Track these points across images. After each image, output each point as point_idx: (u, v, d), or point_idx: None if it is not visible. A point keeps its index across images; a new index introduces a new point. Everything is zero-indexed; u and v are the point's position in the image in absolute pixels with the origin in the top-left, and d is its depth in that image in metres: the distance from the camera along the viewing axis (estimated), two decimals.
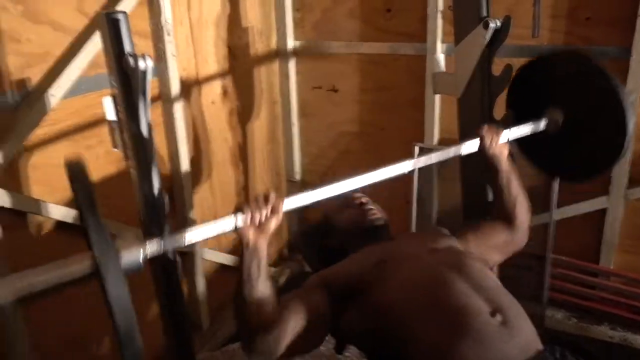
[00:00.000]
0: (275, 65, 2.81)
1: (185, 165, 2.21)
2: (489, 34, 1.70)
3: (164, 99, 2.08)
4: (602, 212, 2.28)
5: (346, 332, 1.29)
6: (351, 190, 1.61)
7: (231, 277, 2.51)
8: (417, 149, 2.54)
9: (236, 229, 1.09)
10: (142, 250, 0.98)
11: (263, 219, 1.09)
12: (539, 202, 2.32)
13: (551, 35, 2.20)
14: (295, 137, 2.96)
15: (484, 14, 1.73)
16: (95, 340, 1.93)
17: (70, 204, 1.69)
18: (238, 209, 1.10)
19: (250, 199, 1.12)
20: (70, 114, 1.69)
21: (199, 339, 2.41)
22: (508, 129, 1.53)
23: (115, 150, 1.38)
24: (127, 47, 1.17)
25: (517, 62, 1.71)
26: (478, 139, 1.47)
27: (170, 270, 1.40)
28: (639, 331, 2.27)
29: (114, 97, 1.25)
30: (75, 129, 1.73)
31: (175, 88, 2.08)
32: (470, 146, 1.47)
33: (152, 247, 1.00)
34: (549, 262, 2.29)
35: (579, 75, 1.57)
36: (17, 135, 1.55)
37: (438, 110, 2.52)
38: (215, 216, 2.47)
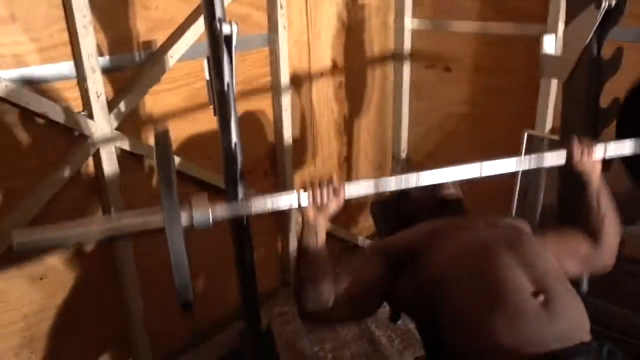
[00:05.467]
0: (390, 42, 2.84)
1: (287, 131, 2.36)
2: (600, 14, 1.57)
3: (273, 67, 2.24)
4: None
5: (400, 298, 1.33)
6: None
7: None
8: (526, 136, 2.42)
9: (299, 206, 1.15)
10: (210, 211, 1.09)
11: (325, 199, 1.14)
12: None
13: None
14: (405, 115, 2.97)
15: None
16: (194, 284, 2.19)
17: (177, 153, 1.92)
18: (302, 187, 1.15)
19: (314, 180, 1.16)
20: (185, 75, 1.92)
21: (289, 293, 2.58)
22: (605, 144, 1.34)
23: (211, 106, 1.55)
24: (218, 13, 1.30)
25: (630, 47, 1.56)
26: (565, 150, 1.31)
27: (241, 232, 1.54)
28: None
29: (208, 59, 1.41)
30: (188, 88, 1.96)
31: (284, 58, 2.22)
32: (556, 158, 1.31)
33: (219, 211, 1.10)
34: None
35: None
36: (140, 89, 1.80)
37: (553, 96, 2.36)
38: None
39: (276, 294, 2.57)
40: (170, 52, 1.83)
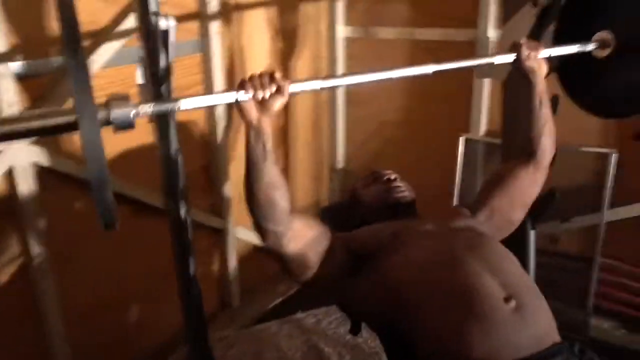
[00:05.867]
0: (323, 50, 2.80)
1: (222, 143, 2.24)
2: (537, 13, 1.60)
3: (206, 75, 2.12)
4: None
5: (358, 306, 1.25)
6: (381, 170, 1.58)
7: (264, 258, 2.54)
8: (462, 140, 2.46)
9: (237, 103, 1.01)
10: (132, 107, 0.87)
11: (267, 96, 1.01)
12: (589, 201, 2.18)
13: None
14: (340, 124, 2.94)
15: None
16: (122, 303, 2.00)
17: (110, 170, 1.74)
18: (241, 85, 1.01)
19: (254, 75, 1.01)
20: (111, 83, 1.75)
21: (229, 316, 2.44)
22: (550, 47, 1.36)
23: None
24: (153, 7, 1.18)
25: None
26: (515, 53, 1.30)
27: (184, 246, 1.41)
28: None
29: (141, 59, 1.28)
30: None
31: (217, 65, 2.12)
32: (505, 57, 1.31)
33: (143, 108, 0.89)
34: (596, 266, 2.14)
35: None
36: (59, 98, 1.61)
37: (486, 101, 2.41)
38: None
39: (215, 319, 2.41)
40: (92, 57, 1.66)
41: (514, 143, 1.38)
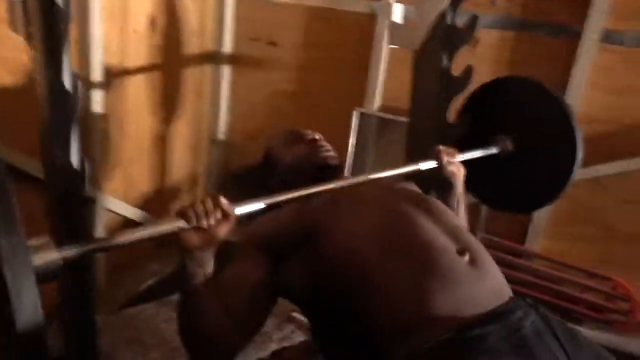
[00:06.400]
0: (210, 11, 2.54)
1: (96, 97, 1.89)
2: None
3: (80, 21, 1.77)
4: None
5: (296, 291, 1.09)
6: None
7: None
8: (356, 114, 2.40)
9: (176, 234, 0.89)
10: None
11: (212, 223, 0.90)
12: None
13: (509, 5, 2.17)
14: (224, 92, 2.71)
15: None
16: None
17: None
18: (181, 213, 0.89)
19: (195, 201, 0.91)
20: None
21: (96, 300, 2.08)
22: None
23: (17, 34, 1.09)
24: None
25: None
26: (435, 159, 1.35)
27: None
28: (560, 315, 2.27)
29: None
30: None
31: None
32: (428, 164, 1.35)
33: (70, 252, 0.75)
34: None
35: (532, 102, 1.55)
36: None
37: (382, 75, 2.39)
38: (125, 164, 2.19)
39: None
40: None
41: None
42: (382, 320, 0.94)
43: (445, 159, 1.33)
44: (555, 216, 2.29)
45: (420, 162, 1.35)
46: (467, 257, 0.98)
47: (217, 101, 2.70)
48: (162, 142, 2.44)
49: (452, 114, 1.71)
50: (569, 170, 1.49)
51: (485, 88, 1.63)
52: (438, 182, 1.39)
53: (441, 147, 1.36)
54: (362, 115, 2.40)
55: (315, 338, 1.19)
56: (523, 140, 1.54)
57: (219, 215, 0.90)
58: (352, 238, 1.02)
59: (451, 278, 0.94)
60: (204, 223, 0.89)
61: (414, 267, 0.96)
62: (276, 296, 1.09)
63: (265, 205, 1.01)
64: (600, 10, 2.02)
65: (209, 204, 0.90)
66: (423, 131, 1.83)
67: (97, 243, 0.82)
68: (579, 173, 2.18)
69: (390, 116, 2.36)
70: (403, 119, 2.34)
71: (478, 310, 0.91)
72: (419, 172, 1.35)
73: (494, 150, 1.54)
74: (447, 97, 1.73)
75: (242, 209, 0.96)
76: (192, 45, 2.47)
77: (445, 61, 1.71)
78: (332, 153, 1.32)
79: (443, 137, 1.78)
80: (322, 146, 1.32)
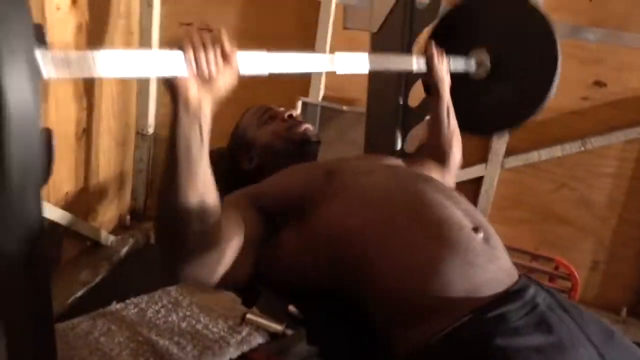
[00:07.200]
0: None
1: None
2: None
3: None
4: (479, 180, 2.32)
5: (283, 272, 0.96)
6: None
7: (61, 240, 1.98)
8: (300, 103, 2.31)
9: (167, 80, 0.71)
10: None
11: (213, 69, 0.73)
12: None
13: None
14: (153, 82, 2.49)
15: None
16: None
17: None
18: (177, 46, 0.71)
19: (194, 33, 0.73)
20: None
21: None
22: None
23: None
24: None
25: None
26: (425, 56, 1.31)
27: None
28: None
29: None
30: None
31: None
32: (419, 62, 1.29)
33: None
34: None
35: (511, 16, 1.49)
36: None
37: None
38: None
39: None
40: None
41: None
42: (392, 300, 0.86)
43: (436, 62, 1.31)
44: (498, 201, 2.36)
45: (413, 57, 1.31)
46: (481, 235, 0.92)
47: (146, 92, 2.49)
48: (87, 135, 2.18)
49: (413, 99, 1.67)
50: (548, 83, 1.43)
51: (453, 10, 1.57)
52: (426, 88, 1.38)
53: (432, 44, 1.33)
54: (307, 105, 2.31)
55: (309, 331, 1.09)
56: (499, 53, 1.49)
57: (220, 58, 0.74)
58: (354, 213, 0.93)
59: (469, 256, 0.87)
60: (204, 67, 0.73)
61: (430, 243, 0.88)
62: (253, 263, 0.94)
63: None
64: None
65: (208, 42, 0.73)
66: (382, 117, 1.78)
67: None
68: (519, 159, 2.30)
69: (334, 105, 2.30)
70: (347, 108, 2.31)
71: (495, 290, 0.86)
72: (410, 71, 1.31)
73: (472, 62, 1.50)
74: (407, 80, 1.69)
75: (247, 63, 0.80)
76: (118, 26, 2.24)
77: (406, 43, 1.67)
78: (311, 127, 1.23)
79: (404, 123, 1.75)
80: (300, 122, 1.23)
